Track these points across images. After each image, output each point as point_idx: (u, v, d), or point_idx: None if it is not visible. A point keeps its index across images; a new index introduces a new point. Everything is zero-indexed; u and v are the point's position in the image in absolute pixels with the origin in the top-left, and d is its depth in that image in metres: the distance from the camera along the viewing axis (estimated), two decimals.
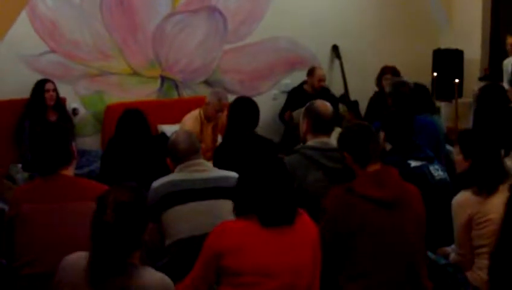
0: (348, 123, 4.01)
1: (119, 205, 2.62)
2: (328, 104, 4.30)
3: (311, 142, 4.13)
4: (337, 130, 5.16)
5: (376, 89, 7.58)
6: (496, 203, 3.55)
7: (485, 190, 3.67)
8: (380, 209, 3.29)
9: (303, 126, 4.24)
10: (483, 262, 3.52)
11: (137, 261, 2.70)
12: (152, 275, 2.70)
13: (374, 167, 3.47)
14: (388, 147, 4.45)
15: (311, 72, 7.94)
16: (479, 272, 3.66)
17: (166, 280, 2.73)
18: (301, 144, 4.25)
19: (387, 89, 5.96)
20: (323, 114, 4.18)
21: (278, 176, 2.99)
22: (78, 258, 2.72)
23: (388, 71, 7.49)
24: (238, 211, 3.01)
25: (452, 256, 3.90)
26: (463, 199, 3.75)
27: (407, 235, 3.32)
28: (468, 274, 3.74)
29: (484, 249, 3.58)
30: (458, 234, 3.78)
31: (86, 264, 2.64)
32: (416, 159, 4.35)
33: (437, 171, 4.36)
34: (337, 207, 3.33)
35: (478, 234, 3.66)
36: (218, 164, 4.53)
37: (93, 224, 2.64)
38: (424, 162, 4.35)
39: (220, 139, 6.55)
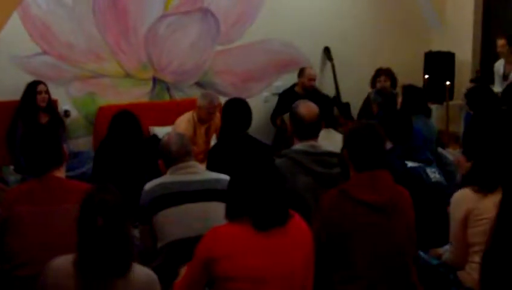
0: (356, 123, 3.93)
1: (107, 206, 2.66)
2: (313, 106, 4.20)
3: (300, 145, 4.10)
4: (331, 132, 5.18)
5: (370, 90, 7.59)
6: (493, 202, 3.56)
7: (485, 188, 3.68)
8: (372, 212, 3.29)
9: (289, 128, 4.23)
10: (476, 261, 3.54)
11: None
12: (138, 271, 2.74)
13: (368, 172, 3.42)
14: (388, 146, 4.46)
15: (301, 72, 7.96)
16: (471, 272, 3.67)
17: (152, 274, 2.78)
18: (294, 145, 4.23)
19: (371, 96, 5.98)
20: (306, 119, 4.11)
21: (268, 178, 2.98)
22: (64, 261, 2.74)
23: (382, 73, 7.52)
24: (229, 215, 2.99)
25: (446, 254, 3.91)
26: (462, 195, 3.77)
27: (398, 239, 3.32)
28: (460, 274, 3.76)
29: (478, 248, 3.58)
30: (454, 230, 3.79)
31: (72, 267, 2.68)
32: (414, 160, 4.37)
33: (433, 174, 4.38)
34: (330, 209, 3.33)
35: (473, 231, 3.67)
36: (211, 166, 4.54)
37: (83, 230, 2.67)
38: (421, 164, 4.36)
39: (214, 141, 6.56)
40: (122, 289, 2.65)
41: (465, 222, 3.69)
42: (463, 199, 3.74)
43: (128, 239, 2.70)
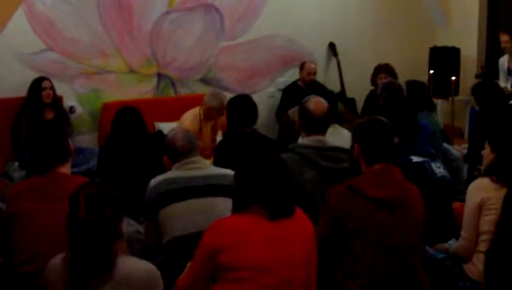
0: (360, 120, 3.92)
1: (89, 199, 2.65)
2: (323, 101, 4.20)
3: (306, 140, 4.10)
4: (337, 128, 5.17)
5: (371, 87, 7.59)
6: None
7: (503, 180, 3.68)
8: (381, 209, 3.28)
9: (297, 124, 4.23)
10: (483, 250, 3.55)
11: (120, 251, 2.72)
12: (135, 263, 2.73)
13: (379, 166, 3.43)
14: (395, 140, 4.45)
15: (301, 66, 8.00)
16: (477, 264, 3.68)
17: (152, 268, 2.75)
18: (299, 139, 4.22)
19: (378, 90, 5.99)
20: (315, 114, 4.10)
21: (277, 168, 3.00)
22: (60, 258, 2.75)
23: (382, 70, 7.50)
24: (236, 207, 3.01)
25: (455, 244, 3.91)
26: (479, 183, 3.79)
27: (406, 236, 3.31)
28: (466, 267, 3.77)
29: (486, 236, 3.60)
30: (467, 217, 3.78)
31: (64, 263, 2.69)
32: (418, 155, 4.36)
33: (438, 169, 4.38)
34: (338, 205, 3.32)
35: (484, 220, 3.68)
36: (218, 162, 4.54)
37: (68, 226, 2.68)
38: (426, 159, 4.36)
39: (220, 137, 6.55)
40: (116, 284, 2.64)
41: (479, 209, 3.70)
42: (479, 187, 3.76)
43: (113, 232, 2.68)
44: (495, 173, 3.75)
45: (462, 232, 3.83)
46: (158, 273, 2.76)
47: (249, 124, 4.88)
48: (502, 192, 3.59)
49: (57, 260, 2.77)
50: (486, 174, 3.83)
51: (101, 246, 2.64)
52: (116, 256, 2.68)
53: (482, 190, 3.72)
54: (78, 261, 2.65)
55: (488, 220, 3.64)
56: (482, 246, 3.62)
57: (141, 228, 4.23)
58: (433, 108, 6.25)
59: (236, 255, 2.85)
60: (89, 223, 2.62)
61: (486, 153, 3.97)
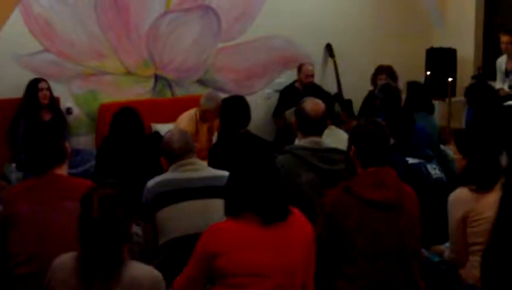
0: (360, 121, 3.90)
1: (104, 200, 2.66)
2: (319, 103, 4.20)
3: (303, 142, 4.10)
4: (334, 129, 5.18)
5: (371, 88, 7.59)
6: (492, 201, 3.54)
7: (482, 188, 3.67)
8: (378, 211, 3.27)
9: (294, 125, 4.24)
10: (477, 259, 3.53)
11: (126, 255, 2.73)
12: (141, 268, 2.74)
13: (374, 168, 3.40)
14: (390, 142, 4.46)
15: (299, 68, 8.00)
16: (472, 270, 3.67)
17: (156, 272, 2.77)
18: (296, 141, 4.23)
19: (376, 91, 6.01)
20: (312, 115, 4.10)
21: (270, 172, 2.99)
22: (69, 258, 2.75)
23: (383, 71, 7.51)
24: (229, 211, 3.00)
25: (447, 253, 3.91)
26: (459, 195, 3.76)
27: (403, 238, 3.30)
28: (462, 272, 3.76)
29: (478, 247, 3.56)
30: (452, 231, 3.78)
31: (75, 263, 2.68)
32: (415, 156, 4.37)
33: (434, 170, 4.38)
34: (334, 207, 3.30)
35: (473, 231, 3.66)
36: (213, 163, 4.54)
37: (81, 224, 2.68)
38: (421, 160, 4.37)
39: (216, 138, 6.55)
40: (122, 287, 2.65)
41: (463, 222, 3.69)
42: (460, 199, 3.73)
43: (124, 233, 2.69)
44: (471, 180, 3.74)
45: (451, 245, 3.83)
46: (161, 277, 2.78)
47: (242, 126, 4.88)
48: (485, 200, 3.59)
49: (63, 259, 2.77)
50: (462, 181, 3.81)
51: (112, 246, 2.65)
52: (125, 259, 2.70)
53: (463, 203, 3.70)
54: (88, 261, 2.65)
55: (475, 232, 3.63)
56: (475, 256, 3.60)
57: (139, 230, 4.23)
58: (432, 110, 6.26)
59: (232, 261, 2.85)
60: (103, 223, 2.63)
61: (458, 158, 3.97)
